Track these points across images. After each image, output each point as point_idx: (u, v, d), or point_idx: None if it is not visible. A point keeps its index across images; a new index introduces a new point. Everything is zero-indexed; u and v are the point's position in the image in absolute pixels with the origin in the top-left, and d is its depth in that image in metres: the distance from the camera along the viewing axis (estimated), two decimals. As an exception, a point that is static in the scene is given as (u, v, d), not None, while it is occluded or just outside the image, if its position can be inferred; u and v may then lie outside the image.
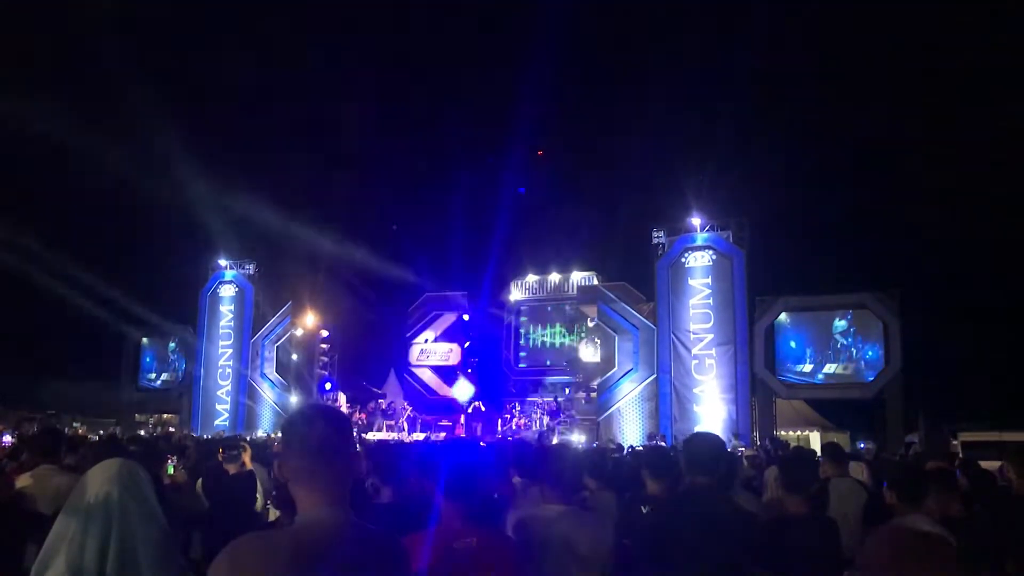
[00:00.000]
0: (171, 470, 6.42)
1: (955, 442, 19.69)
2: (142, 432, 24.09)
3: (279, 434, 15.11)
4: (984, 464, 7.39)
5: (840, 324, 23.89)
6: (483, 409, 28.24)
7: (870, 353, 23.49)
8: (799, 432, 26.13)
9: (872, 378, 23.23)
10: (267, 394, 29.01)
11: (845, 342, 23.78)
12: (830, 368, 23.94)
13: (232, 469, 6.85)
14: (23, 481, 4.62)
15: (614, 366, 25.21)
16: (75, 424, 26.26)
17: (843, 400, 25.08)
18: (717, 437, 4.48)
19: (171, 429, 27.74)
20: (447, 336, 33.44)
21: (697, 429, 22.08)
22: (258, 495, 6.89)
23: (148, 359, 31.99)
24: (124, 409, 30.67)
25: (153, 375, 31.85)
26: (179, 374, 31.25)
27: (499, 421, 27.82)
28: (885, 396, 22.84)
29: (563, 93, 34.83)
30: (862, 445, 22.08)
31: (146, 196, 26.78)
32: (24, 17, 27.55)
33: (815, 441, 24.91)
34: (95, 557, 2.48)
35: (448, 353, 33.15)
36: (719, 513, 3.96)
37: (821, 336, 24.14)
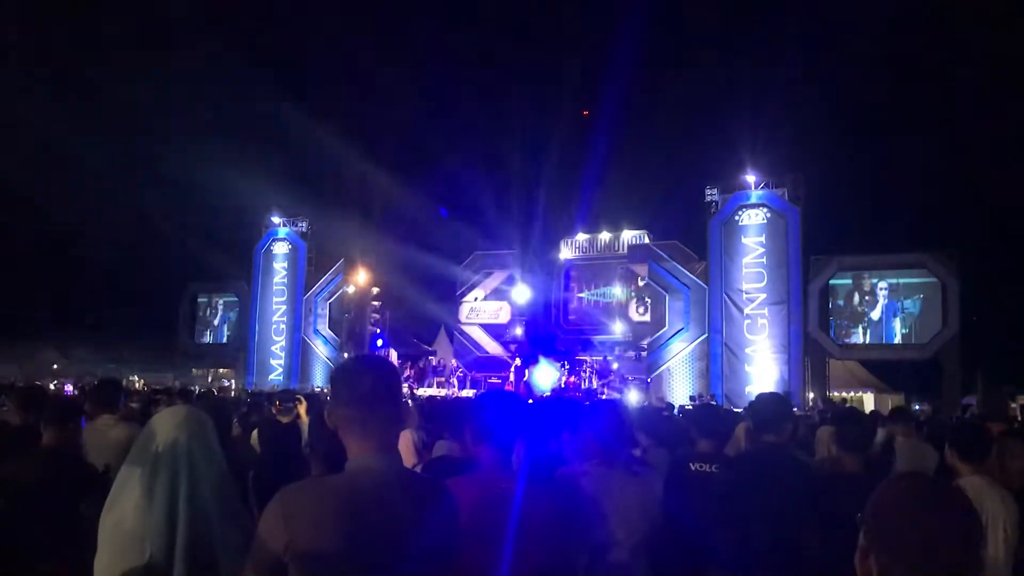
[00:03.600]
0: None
1: (1014, 405, 19.30)
2: (200, 388, 24.66)
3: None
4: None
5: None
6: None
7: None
8: (852, 393, 25.76)
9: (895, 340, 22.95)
10: (320, 350, 29.43)
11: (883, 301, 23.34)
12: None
13: (285, 419, 6.96)
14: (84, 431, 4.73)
15: (665, 325, 25.04)
16: (133, 378, 26.85)
17: (898, 361, 24.61)
18: (783, 396, 4.37)
19: (226, 383, 28.34)
20: (497, 294, 33.47)
21: (748, 389, 21.92)
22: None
23: (204, 315, 32.58)
24: (181, 364, 31.32)
25: (208, 331, 32.45)
26: (233, 330, 31.80)
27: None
28: (941, 357, 22.35)
29: (615, 49, 34.29)
30: (916, 407, 21.72)
31: (201, 154, 27.09)
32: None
33: (868, 402, 24.55)
34: (164, 502, 2.49)
35: (498, 311, 33.20)
36: (789, 474, 3.90)
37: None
